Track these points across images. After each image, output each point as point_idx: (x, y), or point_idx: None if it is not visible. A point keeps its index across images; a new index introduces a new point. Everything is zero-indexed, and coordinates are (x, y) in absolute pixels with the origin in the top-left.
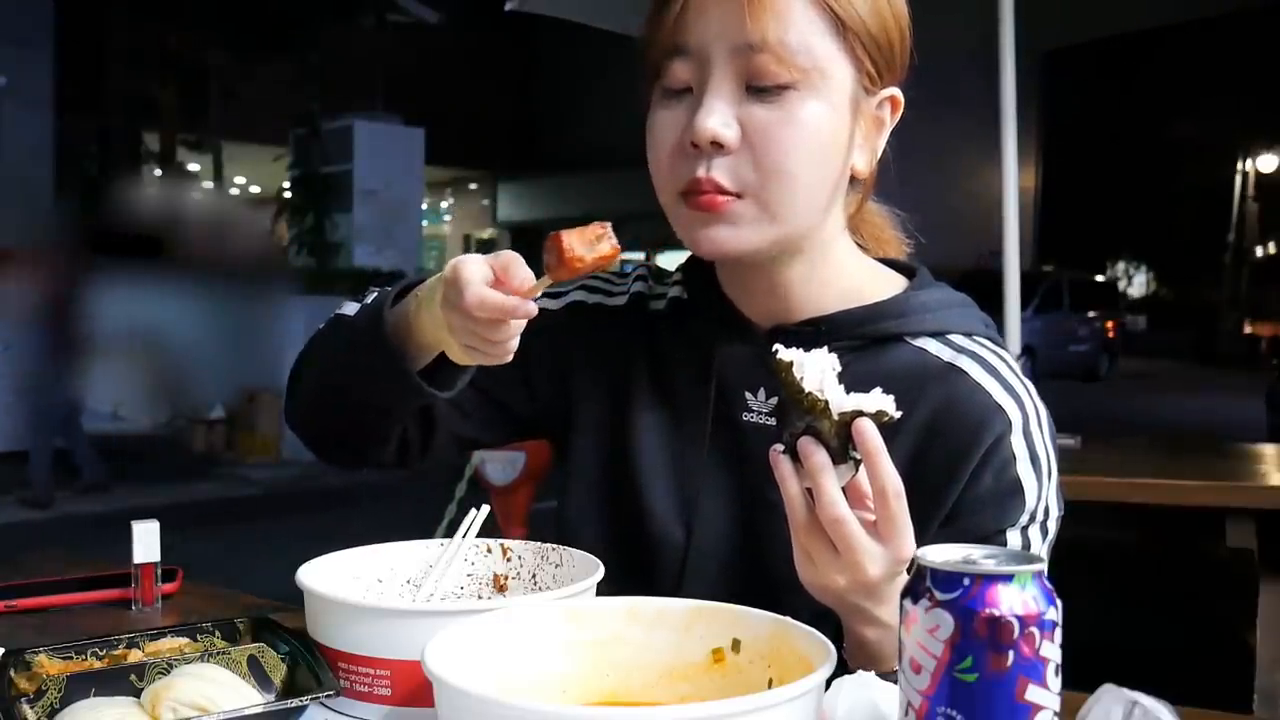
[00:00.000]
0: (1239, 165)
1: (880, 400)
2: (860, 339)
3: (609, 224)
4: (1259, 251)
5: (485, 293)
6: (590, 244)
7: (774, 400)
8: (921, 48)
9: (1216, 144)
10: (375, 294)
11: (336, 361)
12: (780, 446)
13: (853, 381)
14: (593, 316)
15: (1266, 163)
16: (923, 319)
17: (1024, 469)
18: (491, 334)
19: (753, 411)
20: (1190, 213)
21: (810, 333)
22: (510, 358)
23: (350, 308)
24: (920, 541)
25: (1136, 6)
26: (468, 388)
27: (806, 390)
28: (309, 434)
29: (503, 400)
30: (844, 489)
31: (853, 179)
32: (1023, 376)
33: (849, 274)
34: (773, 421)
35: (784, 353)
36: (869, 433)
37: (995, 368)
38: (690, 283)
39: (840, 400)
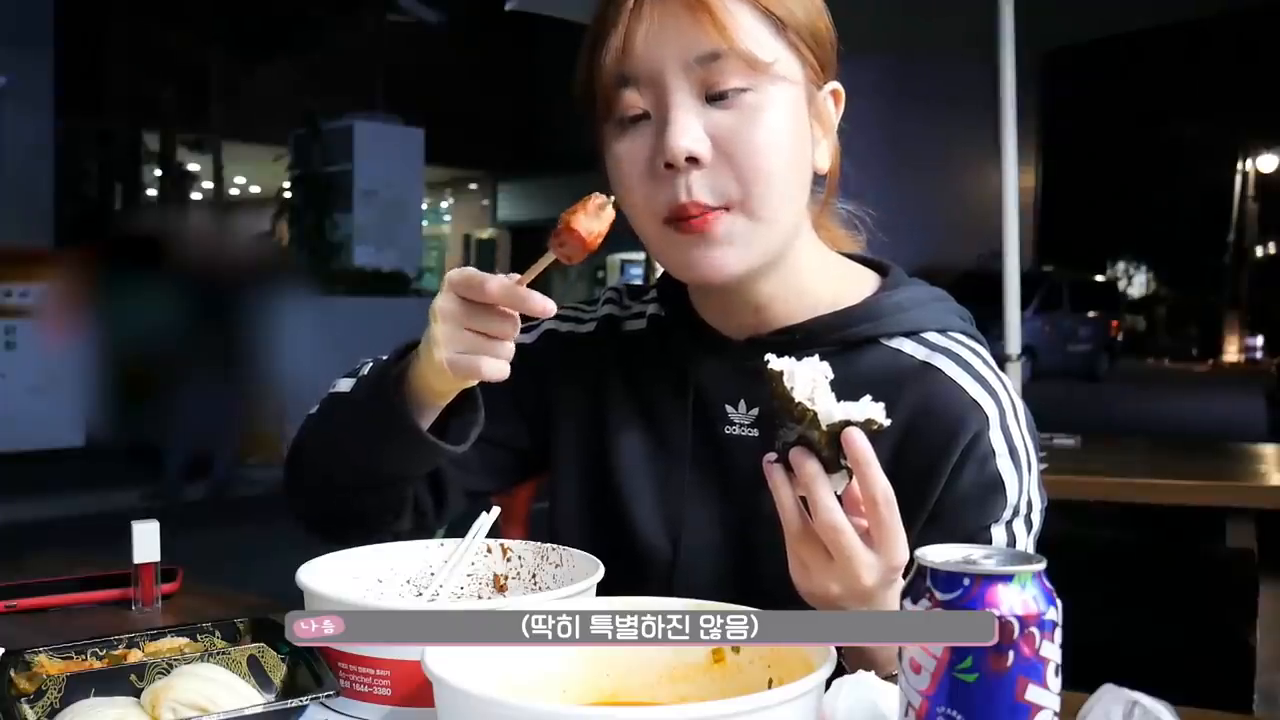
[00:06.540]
0: (1239, 165)
1: (869, 409)
2: (834, 344)
3: (600, 194)
4: (1259, 251)
5: (504, 280)
6: (596, 216)
7: (755, 411)
8: (922, 47)
9: (1216, 144)
10: (365, 368)
11: (341, 437)
12: (773, 456)
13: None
14: (566, 345)
15: (1266, 163)
16: (896, 319)
17: (1004, 464)
18: (497, 327)
19: (734, 424)
20: (1190, 213)
21: (785, 342)
22: (511, 356)
23: (344, 384)
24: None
25: (1136, 6)
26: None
27: (797, 400)
28: (316, 518)
29: (502, 441)
30: (839, 497)
31: (816, 178)
32: (998, 371)
33: (820, 278)
34: (754, 433)
35: (775, 362)
36: (858, 442)
37: (970, 363)
38: (665, 300)
39: (829, 409)
